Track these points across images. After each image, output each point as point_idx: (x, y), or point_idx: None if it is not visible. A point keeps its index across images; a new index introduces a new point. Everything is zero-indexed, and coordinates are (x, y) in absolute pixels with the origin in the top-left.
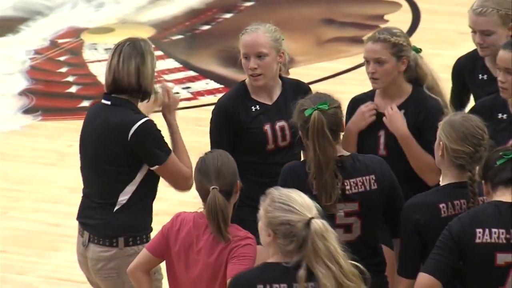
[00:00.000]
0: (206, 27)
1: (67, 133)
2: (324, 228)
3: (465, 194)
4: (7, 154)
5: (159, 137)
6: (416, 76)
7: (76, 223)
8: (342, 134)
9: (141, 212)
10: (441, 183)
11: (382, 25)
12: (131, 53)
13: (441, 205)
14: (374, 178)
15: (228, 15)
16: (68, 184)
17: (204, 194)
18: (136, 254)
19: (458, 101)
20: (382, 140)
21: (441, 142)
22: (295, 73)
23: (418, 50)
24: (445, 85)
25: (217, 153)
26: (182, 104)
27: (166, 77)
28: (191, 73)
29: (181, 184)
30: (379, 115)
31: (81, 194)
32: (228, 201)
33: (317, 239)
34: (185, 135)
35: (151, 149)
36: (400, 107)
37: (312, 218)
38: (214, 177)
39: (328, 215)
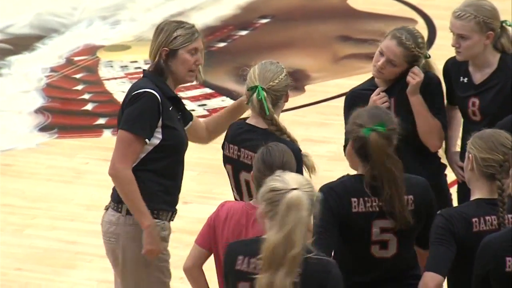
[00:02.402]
0: (222, 44)
1: (83, 151)
2: (296, 200)
3: (496, 210)
4: (24, 172)
5: (144, 112)
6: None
7: (93, 240)
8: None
9: (144, 186)
10: (472, 198)
11: None
12: (155, 32)
13: (473, 220)
14: (412, 199)
15: (244, 32)
16: (84, 202)
17: (258, 184)
18: (137, 225)
19: (448, 97)
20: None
21: (470, 155)
22: (311, 90)
23: (427, 56)
24: None
25: (282, 147)
26: None
27: (182, 94)
28: (207, 90)
29: (112, 160)
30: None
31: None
32: None
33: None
34: (199, 152)
35: (130, 112)
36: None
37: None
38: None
39: (365, 231)
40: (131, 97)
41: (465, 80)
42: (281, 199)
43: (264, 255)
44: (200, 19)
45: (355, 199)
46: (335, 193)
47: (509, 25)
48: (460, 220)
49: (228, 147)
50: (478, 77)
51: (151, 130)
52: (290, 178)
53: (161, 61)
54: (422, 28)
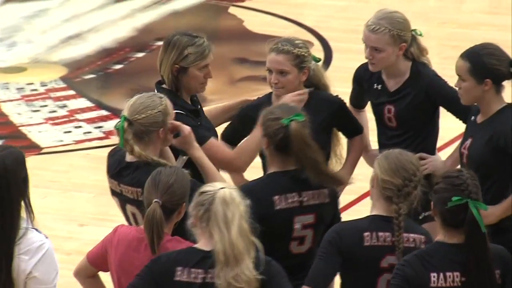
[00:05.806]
0: (118, 66)
1: None
2: (230, 196)
3: (391, 227)
4: None
5: None
6: (313, 82)
7: None
8: None
9: None
10: (370, 213)
11: None
12: (166, 46)
13: (365, 234)
14: (327, 192)
15: (140, 54)
16: None
17: (147, 204)
18: None
19: (356, 102)
20: None
21: (374, 173)
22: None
23: (317, 60)
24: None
25: (176, 170)
26: (94, 143)
27: (79, 116)
28: (104, 112)
29: None
30: None
31: None
32: (168, 218)
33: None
34: (95, 174)
35: None
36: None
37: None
38: (161, 191)
39: (287, 228)
40: None
41: (379, 87)
42: (213, 199)
43: (219, 258)
44: (97, 41)
45: (278, 197)
46: (254, 196)
47: (419, 35)
48: (351, 233)
49: (110, 180)
50: (392, 84)
51: None
52: (215, 183)
53: (173, 76)
54: (318, 50)
